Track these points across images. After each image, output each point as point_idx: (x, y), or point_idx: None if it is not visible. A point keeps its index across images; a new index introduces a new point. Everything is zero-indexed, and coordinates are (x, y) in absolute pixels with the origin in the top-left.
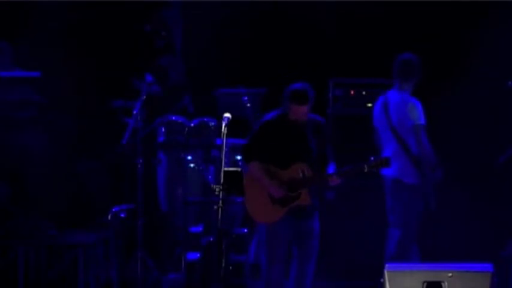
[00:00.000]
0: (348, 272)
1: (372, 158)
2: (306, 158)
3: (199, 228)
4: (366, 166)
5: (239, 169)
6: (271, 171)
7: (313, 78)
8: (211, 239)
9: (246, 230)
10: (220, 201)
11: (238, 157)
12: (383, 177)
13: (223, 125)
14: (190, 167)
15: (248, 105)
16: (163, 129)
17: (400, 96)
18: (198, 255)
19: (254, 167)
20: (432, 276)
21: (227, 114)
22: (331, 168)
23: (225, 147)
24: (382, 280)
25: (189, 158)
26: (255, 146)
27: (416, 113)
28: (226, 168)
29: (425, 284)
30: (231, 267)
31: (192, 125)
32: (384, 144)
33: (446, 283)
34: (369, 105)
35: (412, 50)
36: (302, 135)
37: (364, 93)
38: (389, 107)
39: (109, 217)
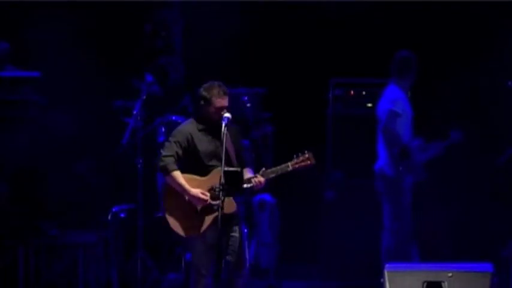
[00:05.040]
0: (348, 272)
1: (295, 156)
2: (224, 162)
3: None
4: (289, 165)
5: (239, 169)
6: (192, 180)
7: (313, 78)
8: None
9: (246, 230)
10: (220, 201)
11: None
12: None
13: (223, 125)
14: None
15: (248, 105)
16: (163, 129)
17: (392, 92)
18: None
19: (174, 178)
20: (432, 276)
21: (227, 114)
22: (249, 173)
23: (225, 147)
24: (382, 280)
25: None
26: (174, 156)
27: (399, 104)
28: (226, 168)
29: (425, 284)
30: None
31: None
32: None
33: (446, 283)
34: (369, 105)
35: (412, 49)
36: (217, 140)
37: (364, 93)
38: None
39: (109, 217)
